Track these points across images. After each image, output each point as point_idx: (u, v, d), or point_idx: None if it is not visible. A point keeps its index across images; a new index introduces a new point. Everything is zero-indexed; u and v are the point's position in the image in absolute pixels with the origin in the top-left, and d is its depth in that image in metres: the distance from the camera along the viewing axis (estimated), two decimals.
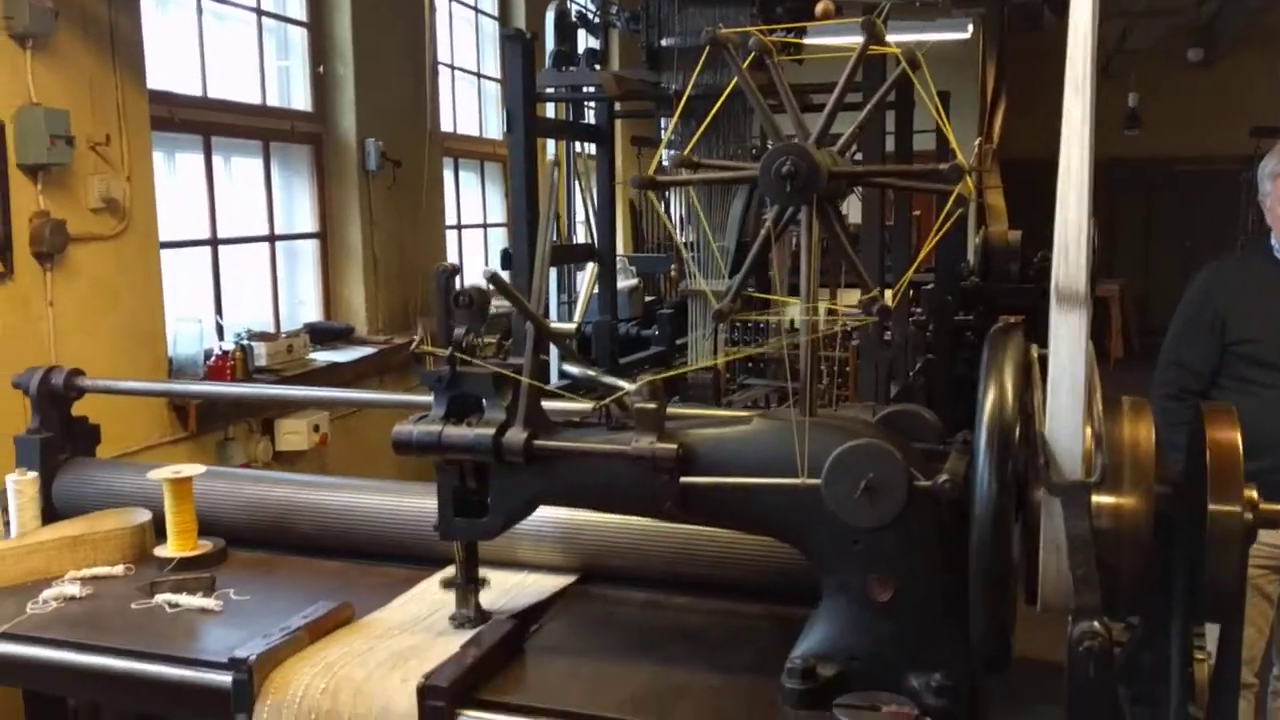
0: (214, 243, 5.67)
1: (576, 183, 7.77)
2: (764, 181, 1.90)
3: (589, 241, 7.64)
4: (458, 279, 2.24)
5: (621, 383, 2.11)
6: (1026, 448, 1.78)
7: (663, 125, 5.66)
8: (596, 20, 5.86)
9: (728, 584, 2.39)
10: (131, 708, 2.59)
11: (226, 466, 4.67)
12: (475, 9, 9.18)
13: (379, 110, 6.76)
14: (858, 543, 1.88)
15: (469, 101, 8.94)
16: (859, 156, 5.01)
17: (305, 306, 6.57)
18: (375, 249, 6.73)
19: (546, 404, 2.19)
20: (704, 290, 4.57)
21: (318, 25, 6.59)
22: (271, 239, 6.25)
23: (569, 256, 6.54)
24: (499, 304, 2.38)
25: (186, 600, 2.42)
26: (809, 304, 1.96)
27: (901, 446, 1.90)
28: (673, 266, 7.43)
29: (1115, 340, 13.65)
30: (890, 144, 6.14)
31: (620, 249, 8.07)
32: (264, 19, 6.24)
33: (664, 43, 4.70)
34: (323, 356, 5.99)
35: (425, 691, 1.94)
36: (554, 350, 2.60)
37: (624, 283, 7.59)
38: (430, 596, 2.39)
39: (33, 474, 2.82)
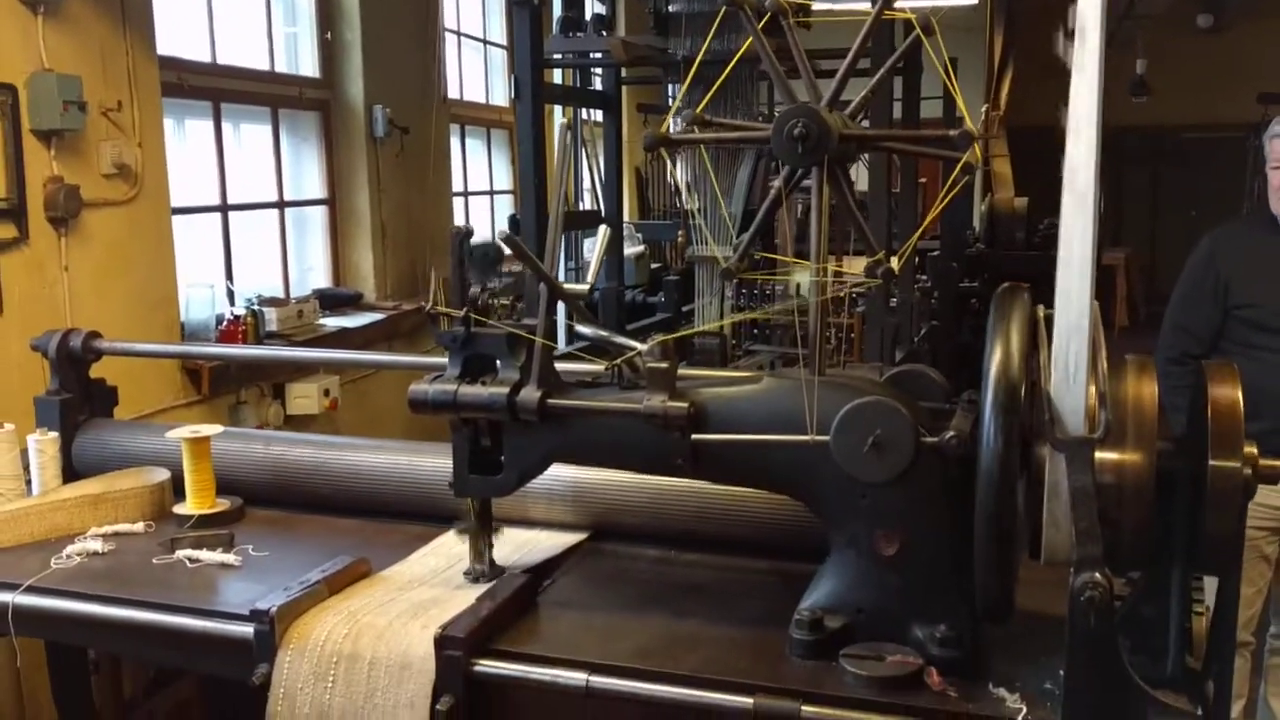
0: (224, 209, 5.69)
1: (583, 150, 7.78)
2: (776, 142, 1.93)
3: (595, 208, 7.66)
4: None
5: (634, 343, 2.15)
6: (1032, 405, 1.82)
7: (670, 91, 5.66)
8: None
9: (736, 541, 2.44)
10: (155, 659, 2.65)
11: None
12: None
13: (386, 77, 6.76)
14: (865, 497, 1.93)
15: (475, 68, 8.93)
16: (866, 123, 5.02)
17: (314, 272, 6.59)
18: (383, 215, 6.75)
19: (558, 366, 2.23)
20: (713, 255, 4.59)
21: None
22: (281, 205, 6.27)
23: (577, 223, 6.56)
24: (511, 267, 2.41)
25: (206, 555, 2.48)
26: (818, 265, 1.99)
27: (909, 404, 1.94)
28: (679, 233, 7.45)
29: (1120, 308, 13.62)
30: (897, 110, 6.15)
31: (626, 216, 8.09)
32: None
33: (671, 8, 4.70)
34: (332, 322, 6.02)
35: (442, 642, 1.99)
36: (561, 315, 2.64)
37: (630, 249, 7.63)
38: (449, 549, 2.44)
39: (53, 434, 2.87)
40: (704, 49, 3.72)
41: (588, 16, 5.52)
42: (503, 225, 8.48)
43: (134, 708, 3.63)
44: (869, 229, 2.06)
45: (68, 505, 2.68)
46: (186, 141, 5.46)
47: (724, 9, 2.00)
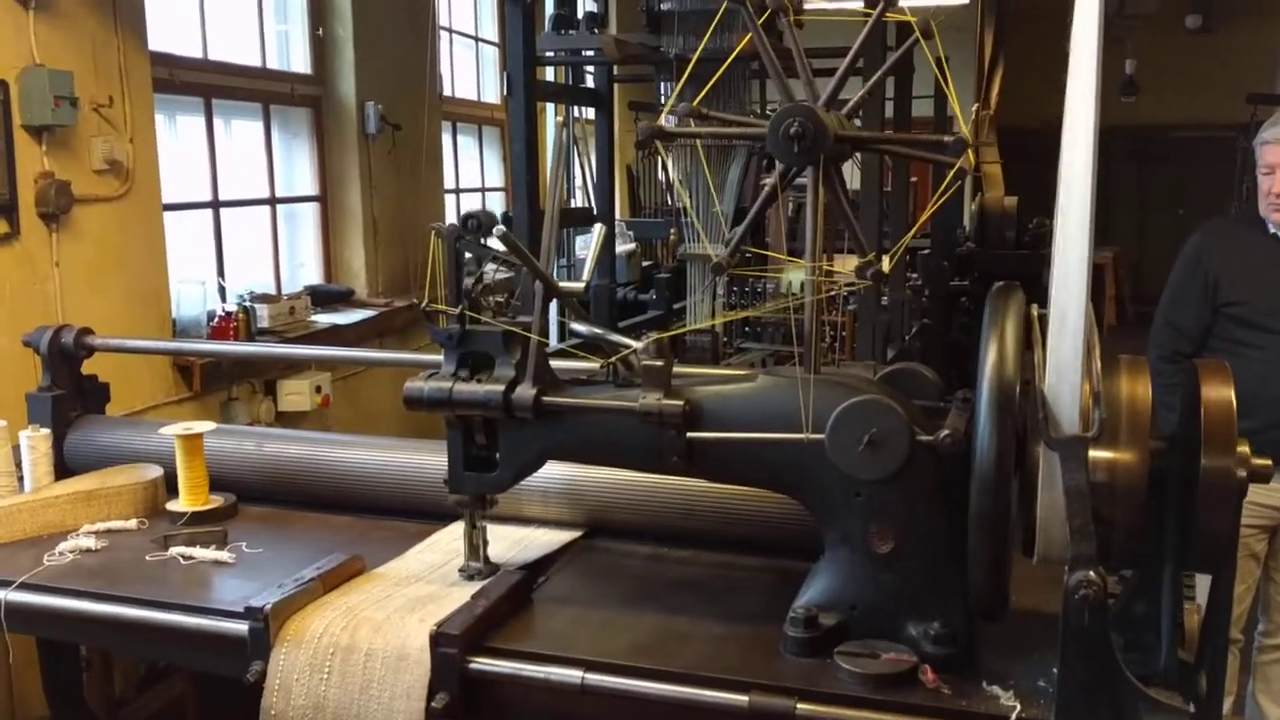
0: (215, 205, 5.68)
1: (575, 148, 7.77)
2: (772, 141, 1.93)
3: (587, 206, 7.66)
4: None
5: (629, 341, 2.16)
6: (1026, 404, 1.83)
7: (661, 89, 5.66)
8: None
9: (730, 539, 2.45)
10: (149, 656, 2.64)
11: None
12: None
13: (378, 73, 6.75)
14: (859, 495, 1.94)
15: (467, 65, 8.92)
16: (859, 123, 5.03)
17: (305, 269, 6.58)
18: (375, 212, 6.74)
19: (553, 363, 2.23)
20: (704, 253, 4.60)
21: None
22: (272, 202, 6.25)
23: (570, 220, 6.56)
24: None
25: (200, 553, 2.48)
26: (813, 263, 2.00)
27: (903, 402, 1.95)
28: (671, 231, 7.45)
29: (1109, 308, 13.65)
30: (889, 110, 6.15)
31: (618, 214, 8.08)
32: None
33: (664, 6, 4.70)
34: (324, 319, 6.01)
35: (437, 639, 2.00)
36: (554, 312, 2.64)
37: (622, 247, 7.62)
38: (445, 545, 2.44)
39: (45, 430, 2.86)
40: (701, 45, 3.73)
41: (580, 14, 5.52)
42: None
43: (125, 704, 3.64)
44: (860, 230, 2.06)
45: (60, 502, 2.67)
46: (178, 137, 5.44)
47: (724, 6, 2.00)
